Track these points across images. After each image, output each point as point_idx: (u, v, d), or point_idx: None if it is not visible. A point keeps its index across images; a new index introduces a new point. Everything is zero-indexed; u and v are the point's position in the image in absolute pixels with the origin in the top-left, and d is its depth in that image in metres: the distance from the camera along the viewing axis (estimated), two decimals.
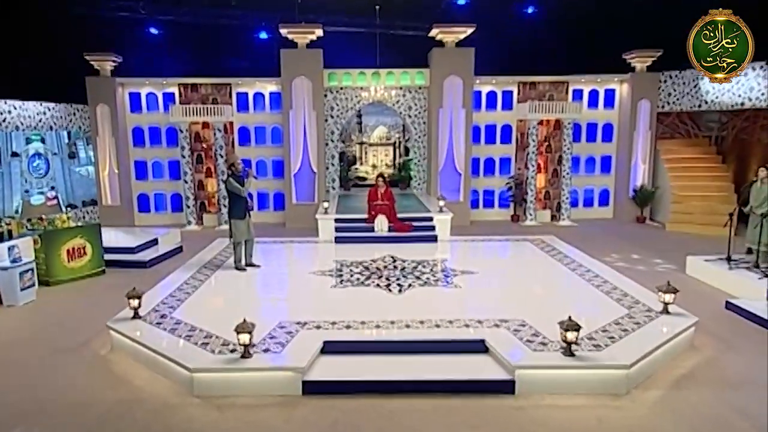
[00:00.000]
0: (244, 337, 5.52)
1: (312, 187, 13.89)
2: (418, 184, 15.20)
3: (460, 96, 13.68)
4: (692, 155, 13.95)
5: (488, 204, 15.04)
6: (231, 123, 14.20)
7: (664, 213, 13.75)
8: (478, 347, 5.87)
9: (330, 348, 5.86)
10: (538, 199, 14.65)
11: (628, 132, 14.29)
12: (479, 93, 14.46)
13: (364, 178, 16.42)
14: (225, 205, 13.71)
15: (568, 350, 5.55)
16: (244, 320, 5.62)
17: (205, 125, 14.14)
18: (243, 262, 8.99)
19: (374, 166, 16.59)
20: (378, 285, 8.02)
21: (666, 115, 14.21)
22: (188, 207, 13.88)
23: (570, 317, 5.56)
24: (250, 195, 8.83)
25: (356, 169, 16.48)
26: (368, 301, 7.31)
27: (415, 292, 7.72)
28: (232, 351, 5.67)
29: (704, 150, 14.10)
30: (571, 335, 5.50)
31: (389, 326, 6.32)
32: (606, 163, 15.03)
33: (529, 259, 9.90)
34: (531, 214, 14.30)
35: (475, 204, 14.75)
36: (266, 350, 5.72)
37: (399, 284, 8.05)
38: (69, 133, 13.56)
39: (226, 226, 13.28)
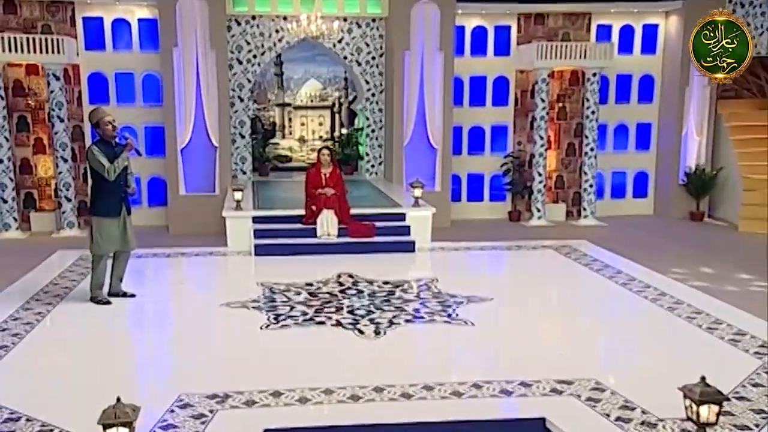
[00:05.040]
0: None
1: (211, 171, 12.75)
2: (372, 166, 14.35)
3: (436, 33, 12.89)
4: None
5: (475, 195, 14.44)
6: (76, 67, 12.83)
7: (731, 206, 13.47)
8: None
9: None
10: (547, 187, 14.02)
11: (677, 88, 13.88)
12: (462, 29, 13.74)
13: (288, 158, 15.40)
14: (68, 197, 12.40)
15: None
16: (119, 400, 4.20)
17: (32, 69, 12.65)
18: (107, 289, 7.83)
19: (302, 140, 15.55)
20: (338, 323, 7.07)
21: None
22: (4, 201, 12.28)
23: (704, 379, 4.45)
24: (138, 180, 7.80)
25: (276, 144, 15.33)
26: (328, 352, 6.37)
27: (401, 333, 6.85)
28: None
29: None
30: (707, 412, 4.40)
31: (374, 397, 5.28)
32: (644, 134, 14.66)
33: (563, 277, 9.29)
34: (538, 210, 13.69)
35: (456, 195, 14.01)
36: None
37: (373, 321, 7.11)
38: None
39: (68, 232, 12.32)
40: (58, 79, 12.20)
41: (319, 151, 10.84)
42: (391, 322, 7.04)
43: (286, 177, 14.52)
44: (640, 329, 7.12)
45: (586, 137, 13.69)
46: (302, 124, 15.52)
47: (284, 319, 7.16)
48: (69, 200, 12.39)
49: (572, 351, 6.43)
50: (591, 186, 13.77)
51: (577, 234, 12.20)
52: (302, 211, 10.50)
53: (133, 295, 7.90)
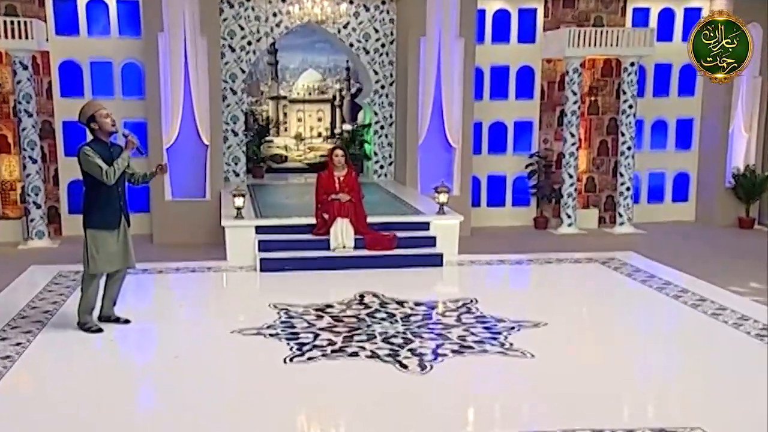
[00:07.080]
0: None
1: (201, 173, 12.43)
2: (381, 167, 14.10)
3: (455, 17, 12.59)
4: None
5: (496, 199, 14.19)
6: (45, 54, 12.54)
7: None
8: None
9: None
10: (578, 191, 13.72)
11: None
12: (482, 13, 13.46)
13: (283, 158, 14.98)
14: (36, 203, 11.99)
15: None
16: None
17: None
18: (97, 313, 7.41)
19: (299, 137, 15.09)
20: (374, 354, 6.62)
21: None
22: None
23: None
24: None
25: (269, 142, 14.92)
26: (369, 392, 5.93)
27: (451, 367, 6.41)
28: None
29: None
30: None
31: None
32: (685, 130, 14.49)
33: (620, 296, 9.04)
34: (568, 216, 13.36)
35: (474, 199, 13.72)
36: None
37: (414, 352, 6.67)
38: None
39: (36, 243, 12.00)
40: (25, 68, 11.79)
41: (332, 151, 10.46)
42: (436, 354, 6.62)
43: (281, 179, 14.22)
44: (730, 360, 6.67)
45: (622, 134, 13.39)
46: (299, 120, 15.15)
47: (309, 350, 6.71)
48: (38, 206, 11.98)
49: (661, 389, 6.00)
50: (628, 189, 13.46)
51: (615, 243, 12.00)
52: (312, 220, 10.18)
53: (127, 321, 7.45)
